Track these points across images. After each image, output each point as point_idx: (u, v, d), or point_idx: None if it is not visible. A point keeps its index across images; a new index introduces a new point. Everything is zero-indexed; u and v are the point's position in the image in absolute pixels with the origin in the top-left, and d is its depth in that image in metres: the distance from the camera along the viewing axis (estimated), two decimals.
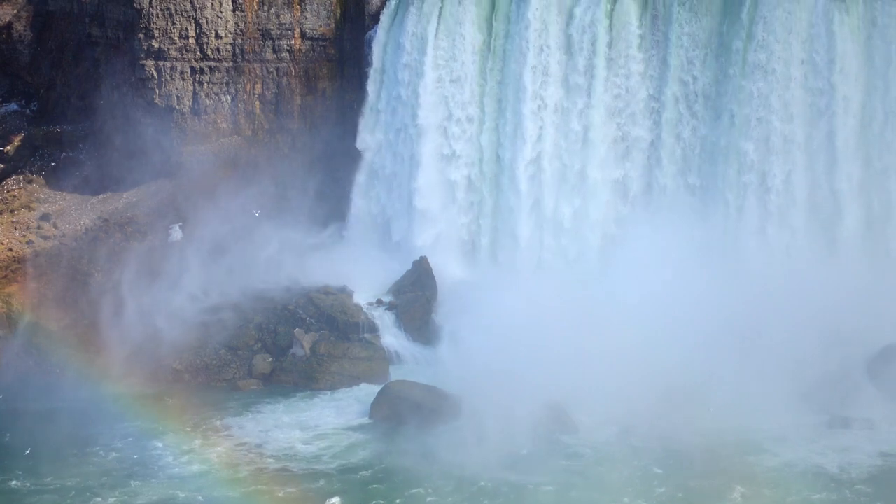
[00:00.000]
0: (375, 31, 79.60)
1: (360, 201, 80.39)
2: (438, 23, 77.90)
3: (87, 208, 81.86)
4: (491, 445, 60.09)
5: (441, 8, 78.01)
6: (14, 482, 58.41)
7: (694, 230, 72.58)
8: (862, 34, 72.65)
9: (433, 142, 78.25)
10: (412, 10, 78.47)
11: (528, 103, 76.68)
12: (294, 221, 78.47)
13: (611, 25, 75.95)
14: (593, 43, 76.17)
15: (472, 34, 77.75)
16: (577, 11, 76.21)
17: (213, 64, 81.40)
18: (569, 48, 76.47)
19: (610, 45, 76.04)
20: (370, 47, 79.77)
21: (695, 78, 75.26)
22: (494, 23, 77.78)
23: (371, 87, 79.89)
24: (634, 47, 75.81)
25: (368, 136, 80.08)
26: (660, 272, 67.96)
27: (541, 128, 76.99)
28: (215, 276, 74.06)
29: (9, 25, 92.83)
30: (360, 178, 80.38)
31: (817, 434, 61.72)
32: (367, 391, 68.14)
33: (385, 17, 79.62)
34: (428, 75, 77.80)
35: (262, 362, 71.46)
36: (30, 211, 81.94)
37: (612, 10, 75.99)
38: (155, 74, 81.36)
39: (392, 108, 79.52)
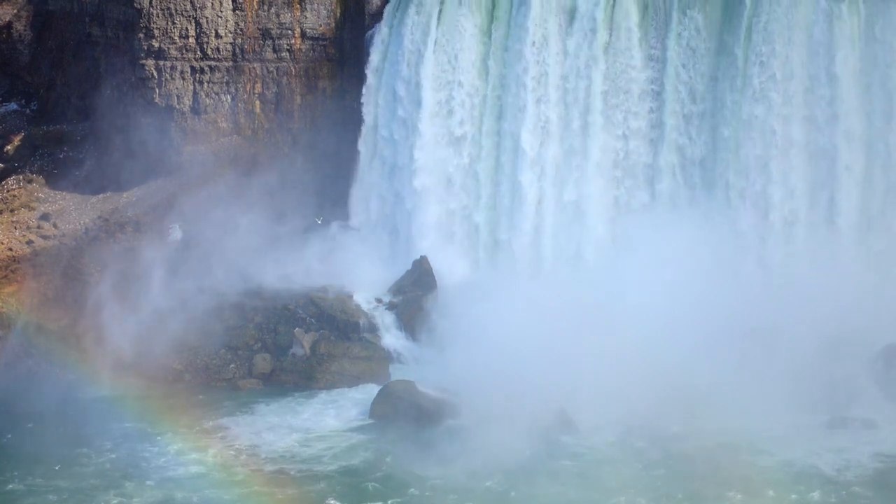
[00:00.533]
0: (376, 29, 79.23)
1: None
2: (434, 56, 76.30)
3: (87, 208, 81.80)
4: (491, 446, 59.99)
5: (435, 48, 76.51)
6: (11, 484, 58.29)
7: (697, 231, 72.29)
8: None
9: (431, 213, 76.83)
10: (405, 43, 76.82)
11: (528, 172, 75.20)
12: (294, 221, 78.32)
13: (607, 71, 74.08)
14: (588, 90, 74.48)
15: (470, 81, 76.26)
16: (570, 45, 74.44)
17: (213, 63, 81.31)
18: (564, 98, 74.71)
19: (606, 98, 74.33)
20: (368, 61, 78.82)
21: (691, 139, 73.68)
22: (491, 64, 76.07)
23: (363, 147, 78.77)
24: (635, 96, 74.11)
25: (362, 210, 78.89)
26: (660, 273, 67.82)
27: (539, 200, 75.36)
28: (215, 276, 73.95)
29: (9, 25, 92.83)
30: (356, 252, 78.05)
31: (817, 434, 61.53)
32: (367, 391, 68.04)
33: (375, 55, 78.16)
34: (425, 134, 76.69)
35: (262, 362, 71.39)
36: (30, 210, 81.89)
37: (608, 43, 73.90)
38: (155, 74, 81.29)
39: (387, 174, 78.31)
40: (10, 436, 64.00)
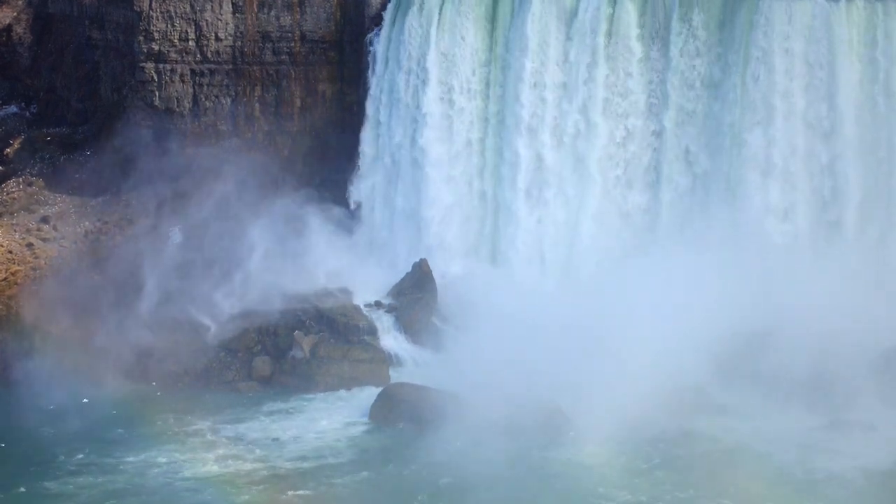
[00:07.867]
0: (376, 32, 79.20)
1: None
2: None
3: (87, 211, 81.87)
4: (491, 448, 60.02)
5: (436, 51, 76.32)
6: (13, 490, 58.23)
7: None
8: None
9: (431, 215, 76.82)
10: (406, 46, 76.73)
11: (529, 176, 75.01)
12: (294, 223, 78.32)
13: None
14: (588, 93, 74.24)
15: (471, 84, 76.01)
16: (570, 49, 74.49)
17: (212, 66, 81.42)
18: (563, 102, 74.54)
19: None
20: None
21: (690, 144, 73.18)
22: (492, 68, 76.18)
23: (364, 150, 78.65)
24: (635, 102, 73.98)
25: (362, 213, 79.08)
26: (659, 276, 67.79)
27: (540, 206, 75.39)
28: (214, 279, 73.99)
29: (8, 28, 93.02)
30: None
31: (817, 437, 61.51)
32: (367, 394, 67.99)
33: (375, 57, 78.11)
34: (427, 137, 76.74)
35: (262, 365, 71.36)
36: (29, 213, 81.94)
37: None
38: (155, 77, 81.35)
39: (388, 176, 78.44)
40: (8, 442, 63.82)
